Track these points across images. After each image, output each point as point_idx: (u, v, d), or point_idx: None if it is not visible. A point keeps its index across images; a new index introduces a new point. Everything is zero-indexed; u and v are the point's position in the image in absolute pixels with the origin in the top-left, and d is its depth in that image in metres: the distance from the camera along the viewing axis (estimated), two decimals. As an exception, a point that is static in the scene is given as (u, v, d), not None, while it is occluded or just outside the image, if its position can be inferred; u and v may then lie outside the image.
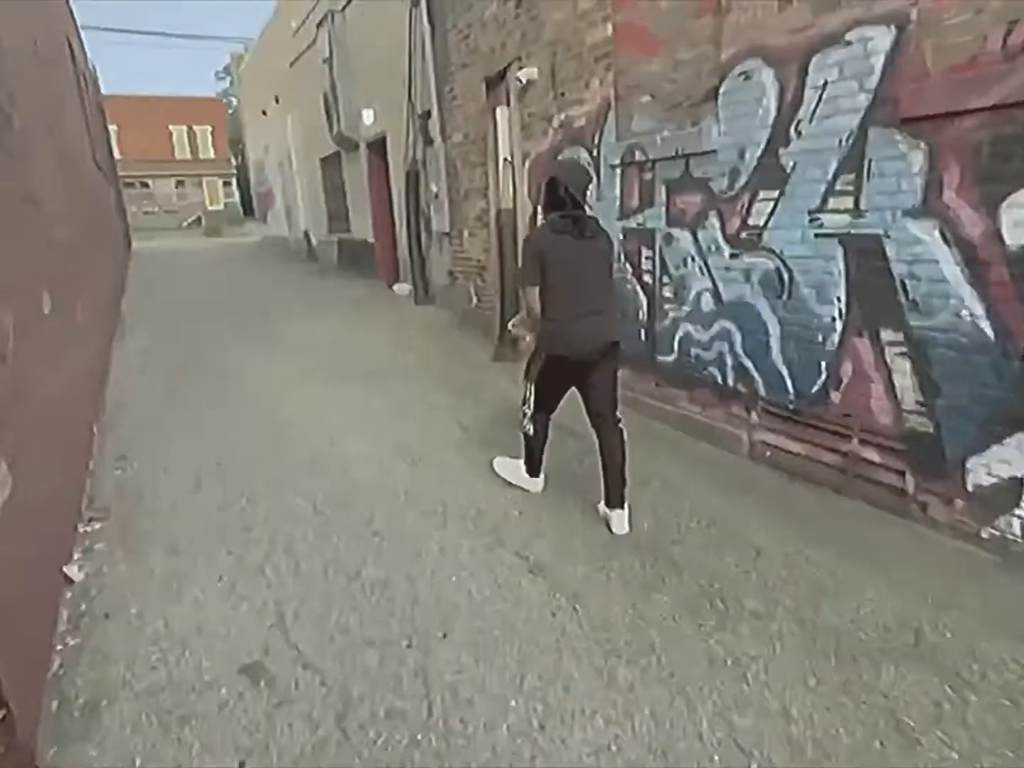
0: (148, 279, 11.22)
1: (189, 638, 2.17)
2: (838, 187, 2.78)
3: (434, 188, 6.64)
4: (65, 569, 2.49)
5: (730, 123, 3.23)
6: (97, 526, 2.92)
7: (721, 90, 3.25)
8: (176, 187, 37.13)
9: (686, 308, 3.72)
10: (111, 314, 6.74)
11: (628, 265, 4.12)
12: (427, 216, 7.30)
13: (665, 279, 3.84)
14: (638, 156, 3.83)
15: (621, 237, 4.12)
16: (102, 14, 48.01)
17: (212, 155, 37.31)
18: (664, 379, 4.01)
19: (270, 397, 4.65)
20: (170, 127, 36.13)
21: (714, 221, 3.42)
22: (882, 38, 2.51)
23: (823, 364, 3.01)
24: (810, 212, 2.91)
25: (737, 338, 3.43)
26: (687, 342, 3.77)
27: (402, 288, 8.27)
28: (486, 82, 5.09)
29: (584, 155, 4.33)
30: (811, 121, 2.84)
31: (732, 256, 3.36)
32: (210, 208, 37.05)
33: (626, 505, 2.84)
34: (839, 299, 2.88)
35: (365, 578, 2.51)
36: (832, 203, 2.82)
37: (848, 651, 2.05)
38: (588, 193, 2.70)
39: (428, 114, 6.58)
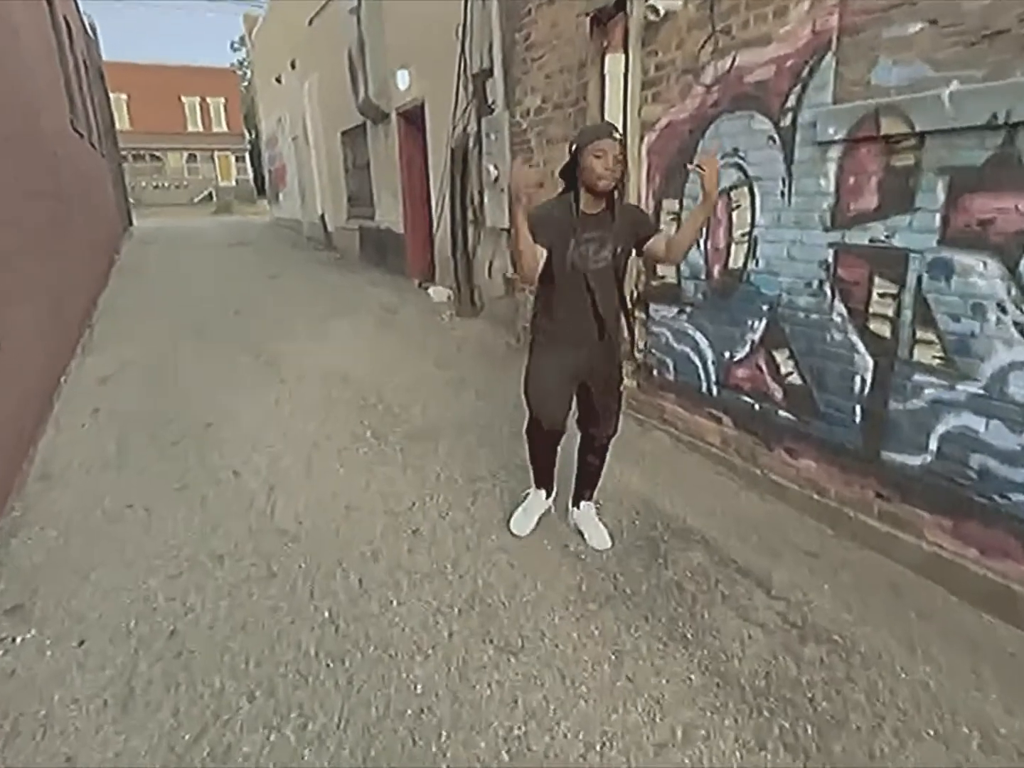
0: (140, 267, 9.76)
1: None
2: None
3: (492, 170, 5.10)
4: None
5: None
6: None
7: None
8: (187, 161, 35.58)
9: (969, 388, 2.19)
10: (74, 322, 5.27)
11: (839, 303, 2.58)
12: (477, 206, 5.77)
13: (926, 334, 2.30)
14: (887, 126, 2.28)
15: (828, 258, 2.59)
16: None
17: (225, 129, 35.70)
18: (897, 490, 2.48)
19: (269, 472, 3.18)
20: (182, 98, 34.50)
21: (1072, 246, 1.89)
22: None
23: None
24: None
25: (1104, 459, 1.90)
26: (963, 443, 2.24)
27: (439, 292, 6.76)
28: (591, 21, 3.54)
29: (761, 124, 2.79)
30: None
31: (1116, 313, 1.82)
32: (222, 184, 35.51)
33: None
34: None
35: None
36: None
37: None
38: None
39: (488, 73, 5.03)
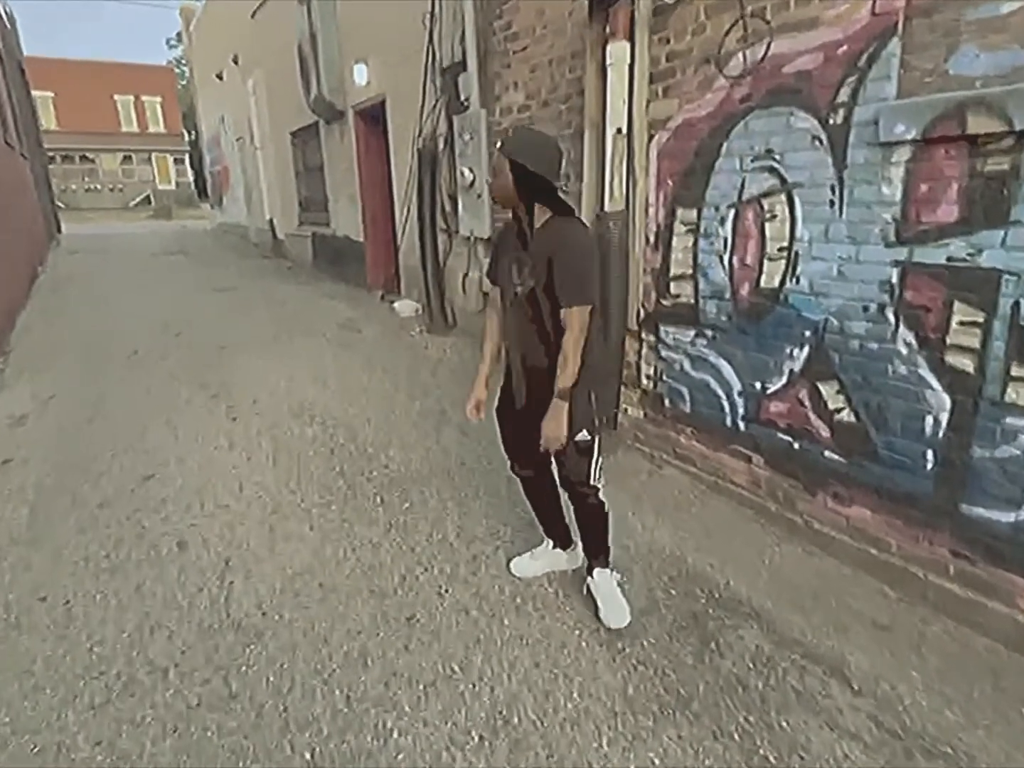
0: (68, 280, 8.86)
1: None
2: None
3: (468, 174, 4.61)
4: None
5: None
6: None
7: None
8: (122, 163, 33.69)
9: (1084, 436, 1.84)
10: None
11: (906, 331, 2.21)
12: (449, 212, 5.27)
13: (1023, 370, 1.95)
14: (975, 124, 1.92)
15: (892, 279, 2.21)
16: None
17: (162, 129, 33.98)
18: (981, 550, 2.13)
19: (222, 541, 2.61)
20: (115, 97, 32.63)
21: None
22: None
23: None
24: None
25: None
26: (1074, 500, 1.89)
27: (406, 306, 6.22)
28: (589, 5, 3.10)
29: (803, 122, 2.40)
30: None
31: None
32: (160, 187, 33.79)
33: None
34: None
35: None
36: None
37: None
38: None
39: (461, 66, 4.54)
